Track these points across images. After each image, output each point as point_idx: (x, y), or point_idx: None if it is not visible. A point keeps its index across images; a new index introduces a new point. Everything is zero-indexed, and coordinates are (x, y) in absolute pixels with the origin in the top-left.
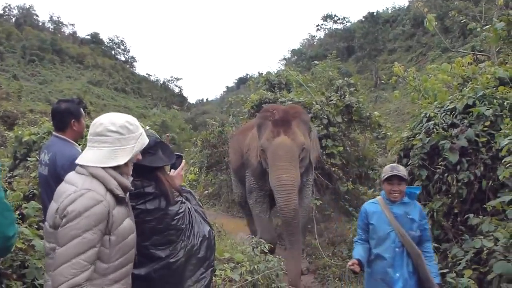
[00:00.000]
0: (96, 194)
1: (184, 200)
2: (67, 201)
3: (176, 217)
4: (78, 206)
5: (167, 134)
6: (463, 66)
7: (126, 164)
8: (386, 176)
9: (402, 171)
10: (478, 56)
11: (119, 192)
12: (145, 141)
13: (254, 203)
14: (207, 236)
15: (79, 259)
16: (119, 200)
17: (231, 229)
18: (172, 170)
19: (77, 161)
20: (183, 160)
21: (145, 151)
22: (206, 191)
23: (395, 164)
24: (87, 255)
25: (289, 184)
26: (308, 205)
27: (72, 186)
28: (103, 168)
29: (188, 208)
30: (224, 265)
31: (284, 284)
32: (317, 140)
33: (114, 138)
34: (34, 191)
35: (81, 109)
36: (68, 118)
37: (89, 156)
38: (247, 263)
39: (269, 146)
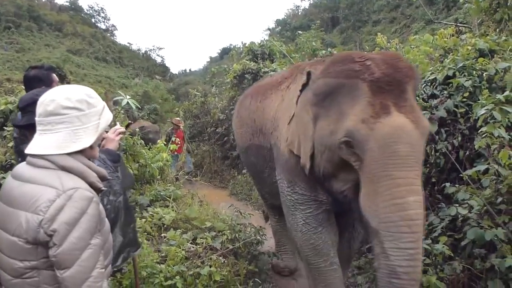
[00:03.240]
0: (85, 191)
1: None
2: (53, 210)
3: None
4: (72, 213)
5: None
6: (445, 37)
7: (91, 146)
8: None
9: None
10: (460, 28)
11: (101, 185)
12: (109, 116)
13: (300, 230)
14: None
15: (97, 270)
16: (98, 194)
17: (213, 199)
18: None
19: (27, 151)
20: (117, 123)
21: (25, 110)
22: None
23: None
24: (101, 261)
25: (418, 220)
26: None
27: (48, 187)
28: (70, 156)
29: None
30: (206, 233)
31: (266, 250)
32: None
33: (73, 116)
34: (12, 161)
35: (53, 75)
36: (38, 85)
37: (43, 143)
38: (228, 231)
39: (372, 135)
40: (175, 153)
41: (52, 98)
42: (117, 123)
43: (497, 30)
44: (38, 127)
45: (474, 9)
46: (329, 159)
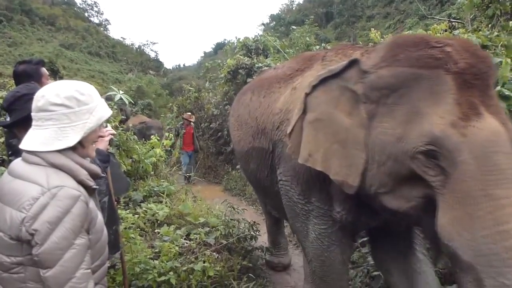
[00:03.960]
0: (71, 190)
1: None
2: (36, 208)
3: None
4: (55, 212)
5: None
6: (438, 33)
7: (83, 145)
8: None
9: None
10: (453, 23)
11: (91, 183)
12: (103, 114)
13: (311, 242)
14: None
15: (81, 271)
16: (90, 191)
17: (207, 195)
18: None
19: (21, 146)
20: (108, 125)
21: (9, 109)
22: None
23: None
24: (86, 261)
25: None
26: None
27: (34, 184)
28: (62, 153)
29: None
30: (199, 229)
31: (260, 245)
32: None
33: (60, 113)
34: (3, 157)
35: (42, 69)
36: (27, 81)
37: (32, 139)
38: (222, 227)
39: (466, 143)
40: (184, 150)
41: (43, 93)
42: (108, 125)
43: (489, 25)
44: (33, 122)
45: (467, 5)
46: (391, 172)
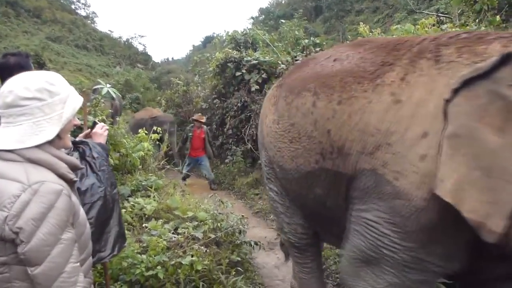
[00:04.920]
0: (53, 184)
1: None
2: (18, 205)
3: None
4: (39, 208)
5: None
6: (426, 27)
7: (60, 137)
8: None
9: None
10: (441, 18)
11: (72, 176)
12: (76, 103)
13: None
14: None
15: (71, 265)
16: (71, 184)
17: (195, 189)
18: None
19: None
20: (101, 123)
21: None
22: (171, 151)
23: None
24: (74, 255)
25: None
26: None
27: (13, 182)
28: (38, 147)
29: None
30: (187, 223)
31: (249, 239)
32: None
33: (33, 106)
34: None
35: (31, 63)
36: (20, 73)
37: (6, 137)
38: (210, 221)
39: None
40: (191, 156)
41: (10, 89)
42: (98, 122)
43: (477, 20)
44: (1, 120)
45: (455, 0)
46: None
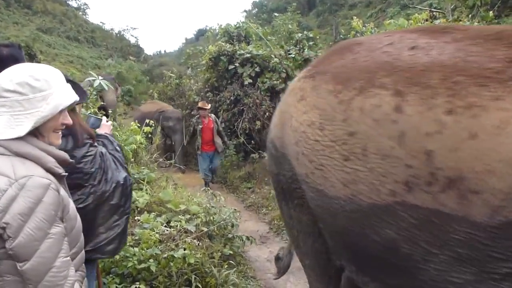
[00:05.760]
0: (40, 179)
1: (95, 144)
2: (4, 200)
3: (83, 160)
4: (27, 203)
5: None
6: (419, 22)
7: (42, 134)
8: None
9: None
10: (434, 13)
11: (60, 170)
12: (61, 101)
13: None
14: (121, 182)
15: (61, 259)
16: (59, 178)
17: (187, 182)
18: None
19: None
20: (104, 117)
21: None
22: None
23: None
24: (65, 249)
25: None
26: None
27: (0, 176)
28: (25, 141)
29: (101, 153)
30: (180, 216)
31: (241, 234)
32: None
33: (13, 100)
34: None
35: (23, 55)
36: (14, 65)
37: None
38: (203, 214)
39: None
40: (204, 151)
41: None
42: (92, 115)
43: (470, 16)
44: None
45: None
46: None
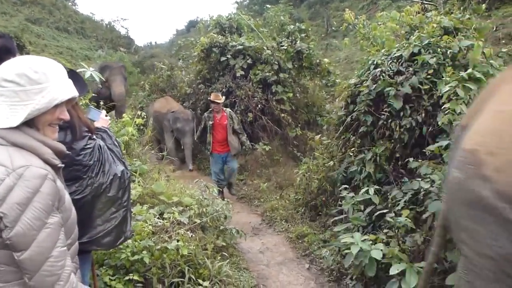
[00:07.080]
0: (37, 169)
1: (93, 137)
2: (2, 190)
3: (82, 152)
4: (24, 192)
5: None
6: (411, 15)
7: (36, 127)
8: None
9: None
10: (426, 5)
11: (57, 161)
12: (56, 96)
13: None
14: (119, 175)
15: (58, 249)
16: (56, 170)
17: (178, 174)
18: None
19: None
20: (103, 111)
21: None
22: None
23: None
24: (61, 239)
25: None
26: None
27: None
28: (23, 131)
29: (99, 146)
30: (173, 208)
31: (232, 227)
32: None
33: (10, 90)
34: None
35: (15, 45)
36: (6, 57)
37: None
38: (196, 206)
39: None
40: (216, 153)
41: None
42: (103, 111)
43: (461, 8)
44: None
45: None
46: None
